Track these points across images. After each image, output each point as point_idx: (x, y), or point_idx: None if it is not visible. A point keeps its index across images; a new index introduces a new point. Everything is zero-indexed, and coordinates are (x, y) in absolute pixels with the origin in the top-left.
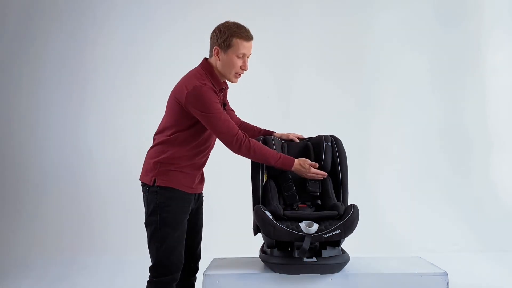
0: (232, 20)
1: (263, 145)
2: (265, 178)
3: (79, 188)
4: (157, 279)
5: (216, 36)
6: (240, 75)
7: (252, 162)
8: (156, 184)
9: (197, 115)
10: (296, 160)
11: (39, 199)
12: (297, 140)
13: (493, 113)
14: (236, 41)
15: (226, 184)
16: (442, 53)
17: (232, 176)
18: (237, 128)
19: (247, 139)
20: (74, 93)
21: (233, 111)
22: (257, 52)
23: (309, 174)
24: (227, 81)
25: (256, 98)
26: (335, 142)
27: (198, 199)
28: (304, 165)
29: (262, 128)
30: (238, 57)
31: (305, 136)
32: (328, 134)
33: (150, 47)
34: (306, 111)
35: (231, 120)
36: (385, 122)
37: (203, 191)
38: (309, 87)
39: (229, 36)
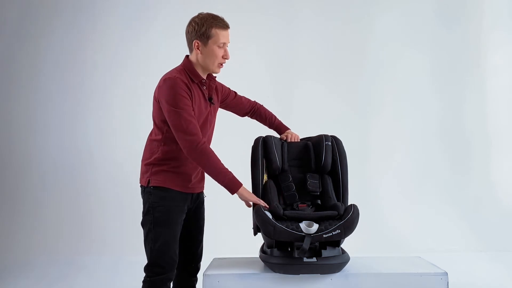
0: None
1: (219, 160)
2: (265, 178)
3: (78, 189)
4: (151, 278)
5: (194, 29)
6: (222, 64)
7: (251, 162)
8: (150, 185)
9: (163, 108)
10: (243, 187)
11: (38, 199)
12: (289, 139)
13: (493, 113)
14: (215, 31)
15: None
16: (442, 53)
17: None
18: (198, 132)
19: (203, 145)
20: (73, 93)
21: (241, 97)
22: (258, 53)
23: (249, 202)
24: (214, 76)
25: (255, 98)
26: (335, 142)
27: (197, 199)
28: (249, 197)
29: (278, 120)
30: (219, 47)
31: (305, 136)
32: (329, 134)
33: (152, 47)
34: (306, 111)
35: (195, 122)
36: (385, 122)
37: (204, 191)
38: (309, 87)
39: (208, 27)
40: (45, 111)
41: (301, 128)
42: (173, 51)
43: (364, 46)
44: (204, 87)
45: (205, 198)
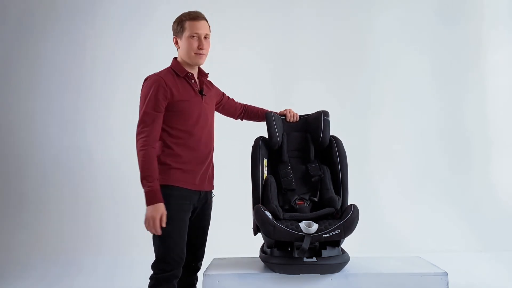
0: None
1: (155, 164)
2: (265, 174)
3: (78, 189)
4: (158, 275)
5: (173, 28)
6: (200, 54)
7: (252, 162)
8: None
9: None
10: (159, 205)
11: (38, 199)
12: (290, 118)
13: (493, 113)
14: (186, 23)
15: (226, 183)
16: (442, 53)
17: (232, 175)
18: (153, 129)
19: (148, 146)
20: (72, 93)
21: (232, 99)
22: (257, 52)
23: (148, 222)
24: (207, 73)
25: (255, 98)
26: (335, 142)
27: (205, 199)
28: (155, 215)
29: (267, 110)
30: (192, 37)
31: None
32: (329, 134)
33: (152, 46)
34: (305, 111)
35: (153, 125)
36: (385, 122)
37: (213, 192)
38: (309, 86)
39: (180, 22)
40: (44, 111)
41: None
42: (174, 50)
43: (363, 46)
44: (193, 81)
45: (213, 198)
